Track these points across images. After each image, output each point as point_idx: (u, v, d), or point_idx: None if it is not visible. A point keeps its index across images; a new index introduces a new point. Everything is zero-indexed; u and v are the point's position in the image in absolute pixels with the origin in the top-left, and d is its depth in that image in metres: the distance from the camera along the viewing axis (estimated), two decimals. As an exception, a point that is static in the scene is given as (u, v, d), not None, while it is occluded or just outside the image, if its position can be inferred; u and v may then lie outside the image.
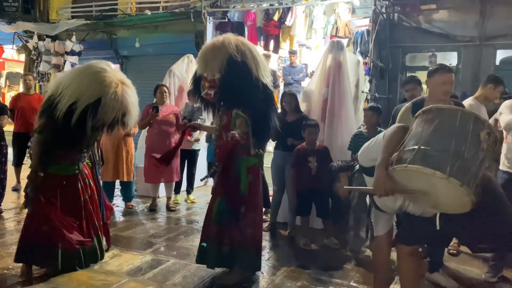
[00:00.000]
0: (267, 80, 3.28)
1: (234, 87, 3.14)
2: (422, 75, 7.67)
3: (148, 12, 8.23)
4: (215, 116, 3.50)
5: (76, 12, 9.08)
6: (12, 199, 5.66)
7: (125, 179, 5.35)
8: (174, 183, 5.59)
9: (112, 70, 3.34)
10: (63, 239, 3.23)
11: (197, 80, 3.39)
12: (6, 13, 8.97)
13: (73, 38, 8.76)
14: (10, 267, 3.36)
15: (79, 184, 3.41)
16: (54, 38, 8.98)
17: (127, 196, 5.55)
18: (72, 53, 8.68)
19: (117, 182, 5.51)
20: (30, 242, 3.20)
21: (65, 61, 8.57)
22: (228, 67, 3.12)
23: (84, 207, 3.42)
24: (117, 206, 5.55)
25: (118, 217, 5.14)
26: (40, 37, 9.09)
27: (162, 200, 5.71)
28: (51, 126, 3.12)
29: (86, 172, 3.53)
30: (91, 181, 3.54)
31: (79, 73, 3.26)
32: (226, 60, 3.12)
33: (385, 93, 7.46)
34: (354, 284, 3.30)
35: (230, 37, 3.24)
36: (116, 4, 8.74)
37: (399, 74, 7.58)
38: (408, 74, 7.61)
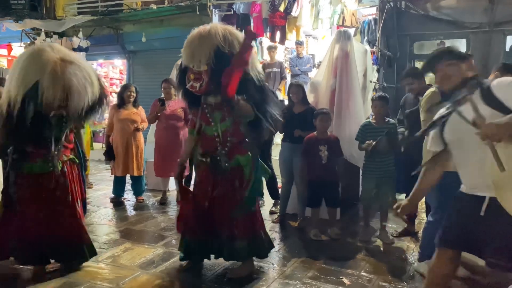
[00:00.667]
0: (254, 72, 3.10)
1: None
2: (430, 63, 7.59)
3: (154, 6, 8.23)
4: (201, 112, 3.21)
5: (82, 8, 9.13)
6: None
7: (135, 174, 5.41)
8: (183, 177, 5.62)
9: (55, 49, 3.05)
10: (42, 238, 3.18)
11: (182, 71, 3.20)
12: (14, 11, 9.03)
13: (80, 34, 8.81)
14: (25, 262, 3.41)
15: (53, 182, 3.17)
16: (61, 35, 9.04)
17: (137, 190, 5.61)
18: (79, 49, 8.72)
19: (128, 177, 5.57)
20: (12, 241, 3.21)
21: (72, 57, 8.62)
22: (215, 59, 2.95)
23: (58, 204, 3.24)
24: (128, 200, 5.62)
25: (129, 211, 5.21)
26: (47, 34, 9.16)
27: (172, 194, 5.74)
28: (2, 121, 2.98)
29: (66, 170, 3.26)
30: (68, 181, 3.28)
31: (17, 63, 3.02)
32: (214, 52, 2.95)
33: (393, 82, 7.40)
34: (365, 274, 3.30)
35: (218, 26, 3.08)
36: (122, -1, 8.76)
37: (407, 63, 7.50)
38: (417, 63, 7.53)
